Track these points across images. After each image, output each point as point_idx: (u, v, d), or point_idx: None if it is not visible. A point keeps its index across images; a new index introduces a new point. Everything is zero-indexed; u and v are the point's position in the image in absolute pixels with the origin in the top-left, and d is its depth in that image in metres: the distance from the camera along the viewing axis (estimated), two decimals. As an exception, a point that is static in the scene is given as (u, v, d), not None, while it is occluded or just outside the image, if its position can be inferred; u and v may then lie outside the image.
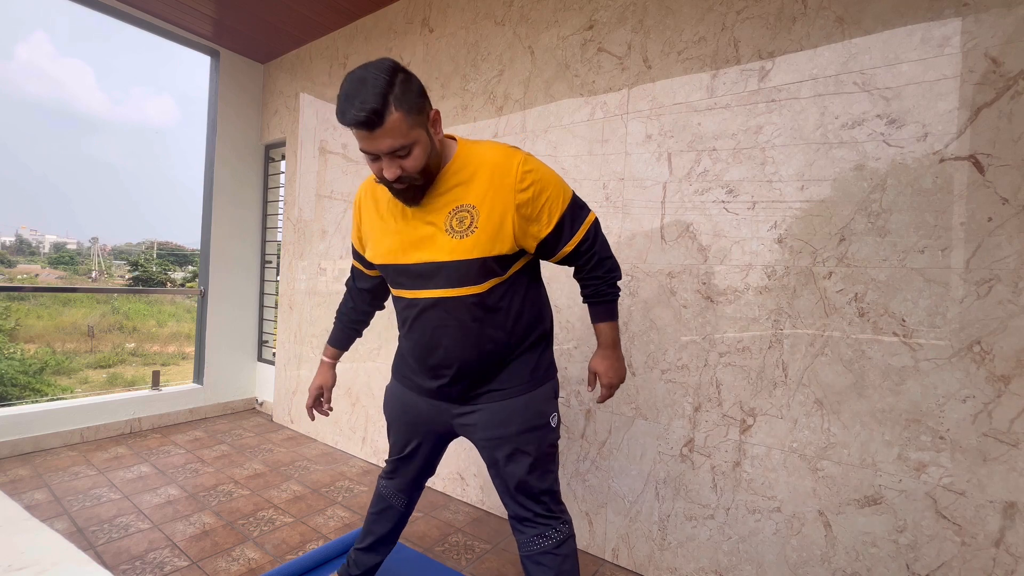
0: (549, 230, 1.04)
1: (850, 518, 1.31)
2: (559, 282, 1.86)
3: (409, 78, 0.94)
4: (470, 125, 2.19)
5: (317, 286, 2.94)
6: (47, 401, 2.75)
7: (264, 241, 3.47)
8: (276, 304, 3.33)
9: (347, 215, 2.75)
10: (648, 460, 1.65)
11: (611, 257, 1.15)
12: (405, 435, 1.29)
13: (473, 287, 1.04)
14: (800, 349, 1.38)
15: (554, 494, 1.16)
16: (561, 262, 1.12)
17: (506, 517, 1.99)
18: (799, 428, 1.38)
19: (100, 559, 1.59)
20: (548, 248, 1.07)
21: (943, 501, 1.19)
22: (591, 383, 1.23)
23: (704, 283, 1.54)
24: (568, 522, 1.17)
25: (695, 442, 1.55)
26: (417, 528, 1.90)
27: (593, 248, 1.11)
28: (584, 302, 1.19)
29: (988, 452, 1.15)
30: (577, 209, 1.08)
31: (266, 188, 3.46)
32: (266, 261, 3.47)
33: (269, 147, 3.43)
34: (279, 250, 3.35)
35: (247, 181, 3.37)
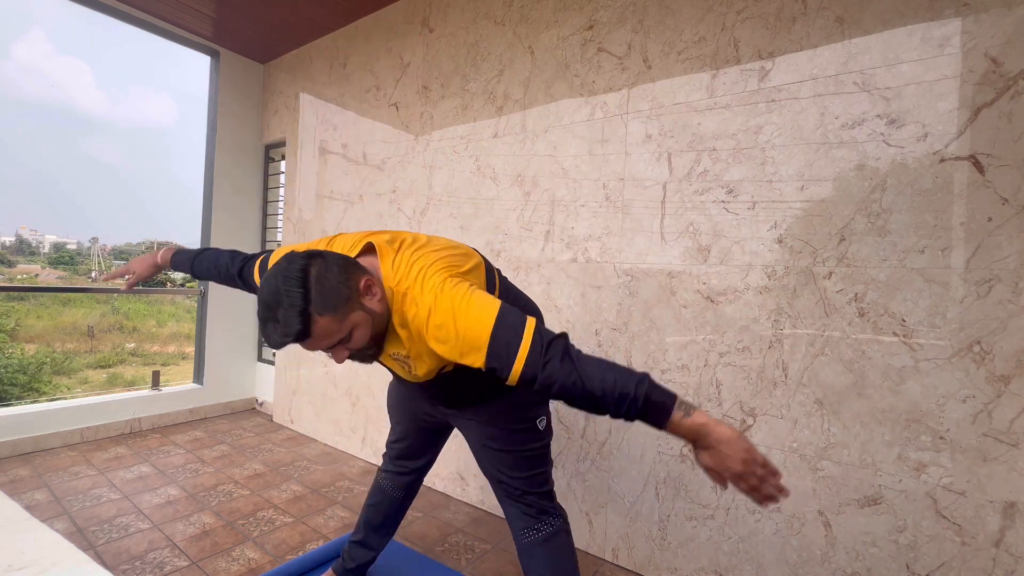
0: (481, 362, 0.86)
1: (850, 518, 1.30)
2: (558, 282, 1.86)
3: (323, 274, 0.86)
4: (470, 125, 2.19)
5: (317, 286, 2.93)
6: (47, 401, 2.75)
7: (264, 241, 3.47)
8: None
9: (346, 215, 2.75)
10: (648, 460, 1.65)
11: (597, 373, 0.83)
12: (405, 424, 1.35)
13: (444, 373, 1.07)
14: (800, 349, 1.38)
15: (543, 493, 1.19)
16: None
17: (504, 517, 1.99)
18: (799, 428, 1.38)
19: (100, 559, 1.59)
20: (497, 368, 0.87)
21: (943, 501, 1.19)
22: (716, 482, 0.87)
23: (704, 283, 1.54)
24: (559, 516, 1.20)
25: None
26: (417, 528, 1.90)
27: (551, 377, 0.83)
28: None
29: (988, 452, 1.15)
30: (506, 327, 0.85)
31: (266, 188, 3.46)
32: (266, 261, 3.47)
33: (269, 147, 3.43)
34: (279, 250, 3.35)
35: (247, 181, 3.37)
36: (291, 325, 0.84)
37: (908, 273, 1.24)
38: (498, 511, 2.03)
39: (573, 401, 0.85)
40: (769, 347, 1.43)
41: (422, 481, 1.45)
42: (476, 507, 2.10)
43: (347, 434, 2.68)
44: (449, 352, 0.88)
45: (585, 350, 1.75)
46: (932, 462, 1.21)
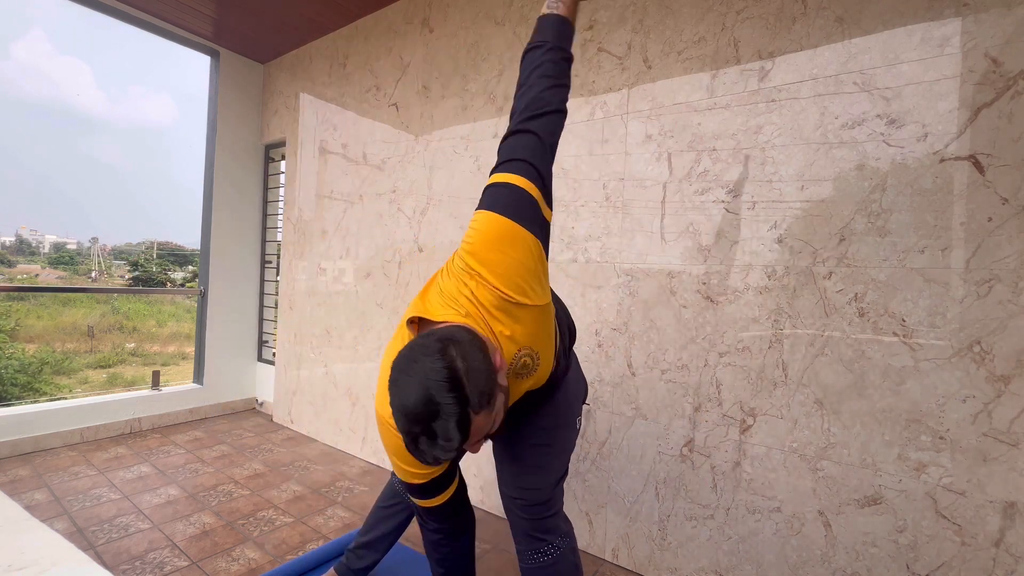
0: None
1: (850, 518, 1.30)
2: (558, 282, 1.86)
3: (470, 366, 0.73)
4: (470, 125, 2.19)
5: (317, 286, 2.94)
6: (47, 401, 2.75)
7: (264, 241, 3.47)
8: (276, 304, 3.33)
9: (346, 215, 2.76)
10: (648, 460, 1.65)
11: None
12: None
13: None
14: (800, 349, 1.38)
15: (553, 509, 1.11)
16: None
17: (505, 516, 1.99)
18: (799, 428, 1.38)
19: (100, 559, 1.59)
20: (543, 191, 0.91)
21: (943, 501, 1.19)
22: None
23: (704, 283, 1.54)
24: (566, 536, 1.12)
25: (695, 442, 1.55)
26: (416, 529, 1.90)
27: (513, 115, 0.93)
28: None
29: (988, 452, 1.15)
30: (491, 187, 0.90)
31: (266, 188, 3.46)
32: (266, 261, 3.47)
33: (269, 147, 3.43)
34: (279, 250, 3.35)
35: (247, 181, 3.37)
36: (453, 439, 0.71)
37: (908, 273, 1.24)
38: (497, 511, 2.03)
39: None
40: (769, 347, 1.43)
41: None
42: (476, 507, 2.10)
43: (347, 434, 2.68)
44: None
45: (584, 350, 1.74)
46: (932, 462, 1.21)
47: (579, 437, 1.79)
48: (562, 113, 0.95)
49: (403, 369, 0.74)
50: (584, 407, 1.21)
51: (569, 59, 0.99)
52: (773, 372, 1.42)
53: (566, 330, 1.12)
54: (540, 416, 1.09)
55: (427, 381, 0.71)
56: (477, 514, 2.03)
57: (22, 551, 0.48)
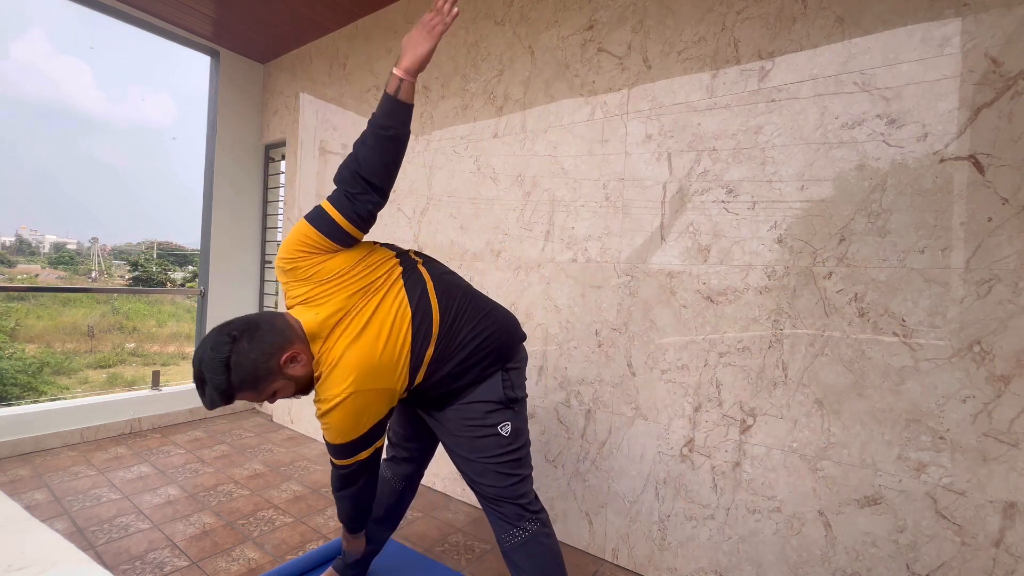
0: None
1: (850, 518, 1.30)
2: (558, 282, 1.86)
3: (243, 359, 0.98)
4: (470, 125, 2.19)
5: (317, 286, 2.93)
6: (47, 401, 2.75)
7: (264, 241, 3.47)
8: (276, 305, 3.33)
9: (347, 215, 2.75)
10: (648, 460, 1.65)
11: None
12: (402, 412, 1.37)
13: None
14: (800, 349, 1.38)
15: (519, 501, 1.18)
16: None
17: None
18: (799, 428, 1.38)
19: (100, 559, 1.59)
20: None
21: (943, 501, 1.19)
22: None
23: (704, 283, 1.54)
24: (537, 520, 1.19)
25: (695, 442, 1.55)
26: (417, 528, 1.90)
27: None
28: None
29: (988, 452, 1.15)
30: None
31: (266, 188, 3.46)
32: (266, 261, 3.47)
33: (269, 147, 3.43)
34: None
35: (247, 181, 3.37)
36: (215, 401, 1.00)
37: (908, 273, 1.24)
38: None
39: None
40: (769, 347, 1.43)
41: (422, 474, 1.46)
42: (476, 507, 2.10)
43: (347, 434, 2.68)
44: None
45: (585, 350, 1.74)
46: (932, 462, 1.21)
47: (579, 438, 1.79)
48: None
49: (205, 341, 1.02)
50: (511, 412, 1.20)
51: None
52: (773, 372, 1.42)
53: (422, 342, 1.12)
54: (452, 430, 1.20)
55: (208, 358, 0.98)
56: (475, 514, 2.03)
57: (22, 551, 0.48)
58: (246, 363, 0.98)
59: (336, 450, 1.12)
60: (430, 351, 1.12)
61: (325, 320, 1.05)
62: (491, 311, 1.23)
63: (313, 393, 1.11)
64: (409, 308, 1.10)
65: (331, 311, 1.06)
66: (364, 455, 1.14)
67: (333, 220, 1.07)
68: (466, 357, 1.16)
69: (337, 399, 1.04)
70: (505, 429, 1.18)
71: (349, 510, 1.26)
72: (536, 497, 1.23)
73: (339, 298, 1.06)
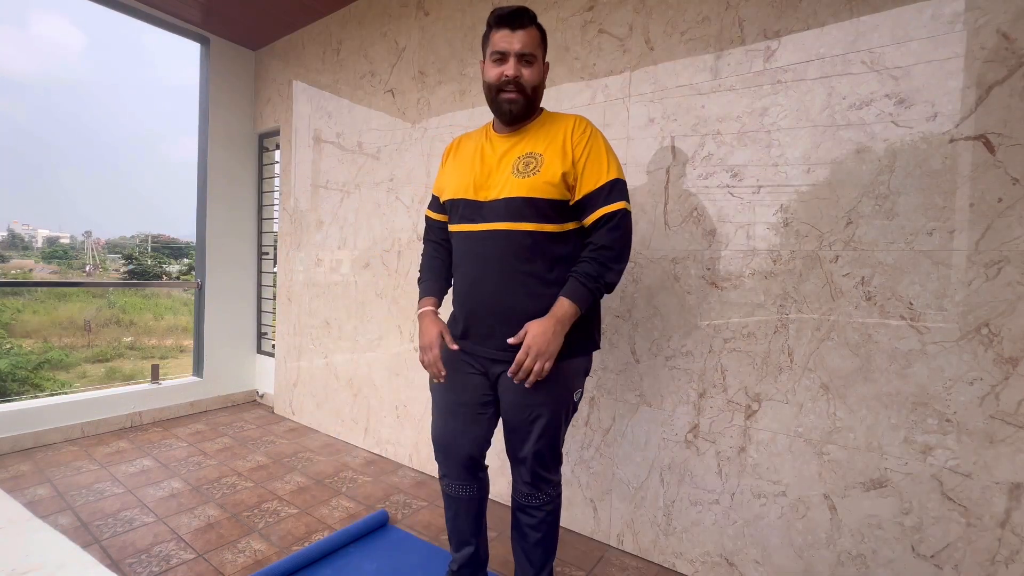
0: (591, 187, 1.13)
1: (855, 501, 1.31)
2: (561, 270, 1.84)
3: (546, 34, 1.20)
4: (468, 111, 2.15)
5: (315, 277, 2.91)
6: (47, 396, 2.73)
7: (260, 232, 3.44)
8: (274, 296, 3.31)
9: (343, 205, 2.72)
10: (653, 447, 1.65)
11: (621, 256, 1.14)
12: (446, 413, 1.27)
13: (525, 223, 1.13)
14: (806, 334, 1.37)
15: (555, 459, 1.25)
16: (586, 229, 1.17)
17: (508, 504, 1.99)
18: (805, 413, 1.38)
19: (106, 553, 1.59)
20: (583, 206, 1.15)
21: (949, 483, 1.20)
22: (516, 339, 1.12)
23: (708, 268, 1.53)
24: (557, 484, 1.27)
25: (700, 428, 1.55)
26: (423, 517, 1.91)
27: (615, 231, 1.12)
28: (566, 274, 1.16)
29: (995, 434, 1.15)
30: (619, 188, 1.14)
31: (261, 178, 3.41)
32: (263, 252, 3.44)
33: (263, 136, 3.37)
34: (276, 241, 3.31)
35: (242, 171, 3.32)
36: (524, 11, 1.13)
37: (916, 256, 1.23)
38: (502, 499, 2.03)
39: (608, 250, 1.13)
40: (775, 332, 1.42)
41: (483, 467, 1.34)
42: (480, 495, 2.10)
43: (349, 425, 2.68)
44: (575, 157, 1.14)
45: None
46: (938, 445, 1.21)
47: (584, 425, 1.79)
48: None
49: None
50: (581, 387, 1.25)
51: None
52: (779, 357, 1.42)
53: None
54: (533, 389, 1.16)
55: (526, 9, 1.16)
56: (482, 502, 2.03)
57: (27, 553, 0.47)
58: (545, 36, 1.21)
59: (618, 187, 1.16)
60: None
61: None
62: None
63: (541, 133, 1.19)
64: None
65: None
66: None
67: None
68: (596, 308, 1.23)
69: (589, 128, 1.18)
70: (577, 396, 1.24)
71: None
72: None
73: None
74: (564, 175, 1.12)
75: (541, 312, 1.13)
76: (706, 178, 1.53)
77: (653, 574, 1.60)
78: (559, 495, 1.28)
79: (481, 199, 1.18)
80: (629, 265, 1.68)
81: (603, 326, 1.75)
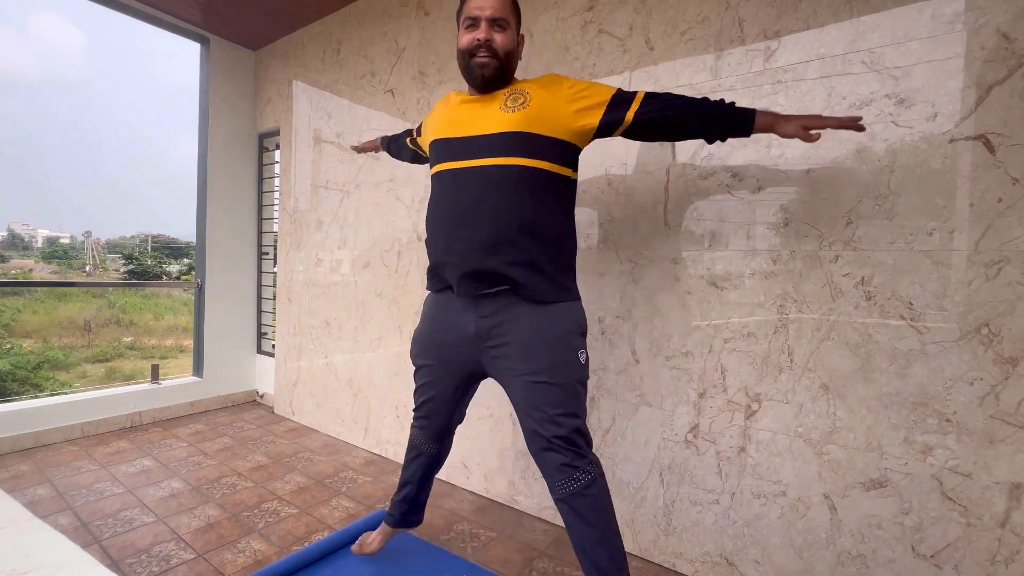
0: (605, 96, 1.15)
1: (855, 501, 1.31)
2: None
3: (518, 5, 1.25)
4: (468, 111, 2.14)
5: (315, 277, 2.91)
6: (47, 396, 2.73)
7: (260, 232, 3.44)
8: (274, 296, 3.30)
9: (343, 205, 2.72)
10: (652, 447, 1.65)
11: (690, 98, 1.15)
12: (432, 372, 1.34)
13: (517, 158, 1.12)
14: (806, 334, 1.37)
15: (583, 434, 1.16)
16: (639, 129, 1.16)
17: (510, 505, 2.00)
18: (804, 413, 1.38)
19: (106, 553, 1.59)
20: (610, 121, 1.15)
21: (949, 483, 1.20)
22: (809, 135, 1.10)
23: (708, 268, 1.53)
24: (595, 463, 1.17)
25: (700, 428, 1.55)
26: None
27: (661, 100, 1.14)
28: (719, 139, 1.18)
29: (995, 434, 1.15)
30: (624, 92, 1.17)
31: (261, 178, 3.41)
32: (263, 252, 3.44)
33: (263, 136, 3.37)
34: (276, 241, 3.31)
35: (241, 171, 3.32)
36: None
37: (916, 256, 1.23)
38: (502, 499, 2.04)
39: (684, 104, 1.14)
40: (775, 332, 1.42)
41: (452, 435, 1.47)
42: (481, 495, 2.10)
43: (349, 425, 2.68)
44: (580, 91, 1.15)
45: (588, 337, 1.73)
46: (938, 445, 1.21)
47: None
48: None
49: None
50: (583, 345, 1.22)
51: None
52: (779, 357, 1.42)
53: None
54: (534, 351, 1.15)
55: None
56: (480, 502, 2.04)
57: (27, 553, 0.47)
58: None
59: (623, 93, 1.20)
60: None
61: None
62: None
63: (527, 88, 1.21)
64: None
65: None
66: None
67: None
68: (570, 249, 1.22)
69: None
70: (583, 356, 1.18)
71: None
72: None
73: None
74: (559, 116, 1.14)
75: (531, 263, 1.14)
76: (706, 178, 1.53)
77: (653, 574, 1.60)
78: (599, 473, 1.16)
79: (464, 135, 1.19)
80: (629, 265, 1.68)
81: (603, 326, 1.75)
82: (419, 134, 1.52)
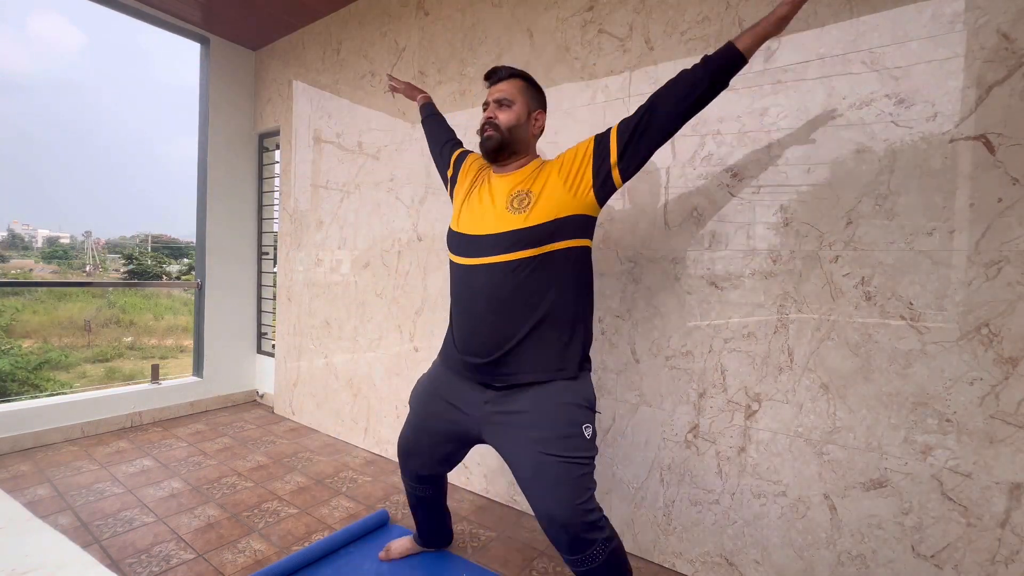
0: (598, 138, 1.21)
1: (855, 501, 1.31)
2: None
3: (541, 89, 1.36)
4: (468, 111, 2.15)
5: (315, 277, 2.91)
6: (47, 396, 2.73)
7: (260, 232, 3.44)
8: (274, 296, 3.31)
9: (343, 205, 2.72)
10: (653, 447, 1.65)
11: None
12: (424, 423, 1.39)
13: (523, 251, 1.17)
14: (806, 334, 1.37)
15: (595, 510, 1.13)
16: (637, 132, 1.17)
17: (509, 504, 2.00)
18: (804, 413, 1.38)
19: (106, 553, 1.59)
20: (623, 148, 1.18)
21: (949, 483, 1.20)
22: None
23: (708, 268, 1.53)
24: (610, 536, 1.15)
25: (700, 428, 1.55)
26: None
27: (641, 107, 1.19)
28: (720, 84, 1.19)
29: (995, 434, 1.15)
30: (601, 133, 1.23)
31: (261, 178, 3.41)
32: (263, 252, 3.44)
33: (263, 136, 3.37)
34: (276, 241, 3.31)
35: (242, 171, 3.32)
36: (503, 68, 1.32)
37: (916, 256, 1.23)
38: (502, 499, 2.04)
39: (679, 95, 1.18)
40: (775, 332, 1.42)
41: (444, 476, 1.52)
42: (480, 495, 2.11)
43: (349, 425, 2.68)
44: (564, 167, 1.21)
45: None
46: (938, 445, 1.21)
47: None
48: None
49: None
50: (593, 417, 1.21)
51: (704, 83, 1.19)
52: (779, 357, 1.42)
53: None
54: (536, 422, 1.17)
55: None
56: (480, 502, 2.04)
57: (26, 554, 0.47)
58: (542, 91, 1.37)
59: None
60: None
61: None
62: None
63: (532, 172, 1.28)
64: None
65: None
66: None
67: None
68: (583, 326, 1.24)
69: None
70: (588, 431, 1.16)
71: None
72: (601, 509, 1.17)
73: None
74: (560, 201, 1.18)
75: (538, 338, 1.19)
76: (706, 178, 1.53)
77: (653, 574, 1.60)
78: (617, 544, 1.16)
79: (475, 233, 1.25)
80: (629, 265, 1.68)
81: (603, 326, 1.75)
82: (456, 168, 1.49)
